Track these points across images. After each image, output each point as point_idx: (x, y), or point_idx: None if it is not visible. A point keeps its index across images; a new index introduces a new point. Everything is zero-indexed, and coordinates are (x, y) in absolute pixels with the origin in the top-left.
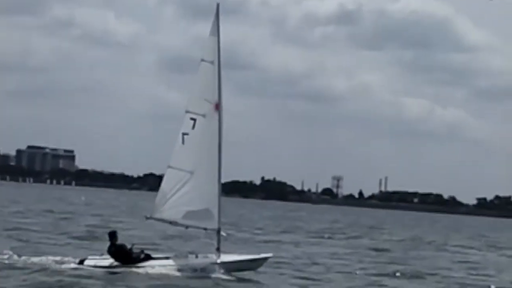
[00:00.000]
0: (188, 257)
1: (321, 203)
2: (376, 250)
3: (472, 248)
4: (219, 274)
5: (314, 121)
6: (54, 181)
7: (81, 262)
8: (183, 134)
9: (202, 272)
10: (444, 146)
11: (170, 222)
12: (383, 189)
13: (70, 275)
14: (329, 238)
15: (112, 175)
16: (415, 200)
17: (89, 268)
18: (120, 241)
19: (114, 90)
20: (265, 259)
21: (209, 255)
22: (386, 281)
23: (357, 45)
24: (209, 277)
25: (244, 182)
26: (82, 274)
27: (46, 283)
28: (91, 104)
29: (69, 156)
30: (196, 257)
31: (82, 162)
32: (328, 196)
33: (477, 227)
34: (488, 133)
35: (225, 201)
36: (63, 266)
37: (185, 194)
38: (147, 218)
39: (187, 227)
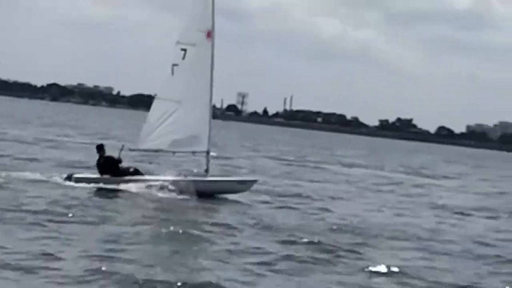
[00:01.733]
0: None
1: (226, 119)
2: None
3: None
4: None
5: (224, 37)
6: None
7: (69, 177)
8: (173, 65)
9: (189, 190)
10: (351, 68)
11: (156, 151)
12: (288, 107)
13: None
14: None
15: (16, 83)
16: (319, 119)
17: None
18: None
19: None
20: (253, 181)
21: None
22: None
23: None
24: (195, 196)
25: (149, 96)
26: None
27: None
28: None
29: None
30: (185, 177)
31: None
32: (233, 112)
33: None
34: (395, 56)
35: (131, 114)
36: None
37: (172, 123)
38: (131, 149)
39: (174, 152)
